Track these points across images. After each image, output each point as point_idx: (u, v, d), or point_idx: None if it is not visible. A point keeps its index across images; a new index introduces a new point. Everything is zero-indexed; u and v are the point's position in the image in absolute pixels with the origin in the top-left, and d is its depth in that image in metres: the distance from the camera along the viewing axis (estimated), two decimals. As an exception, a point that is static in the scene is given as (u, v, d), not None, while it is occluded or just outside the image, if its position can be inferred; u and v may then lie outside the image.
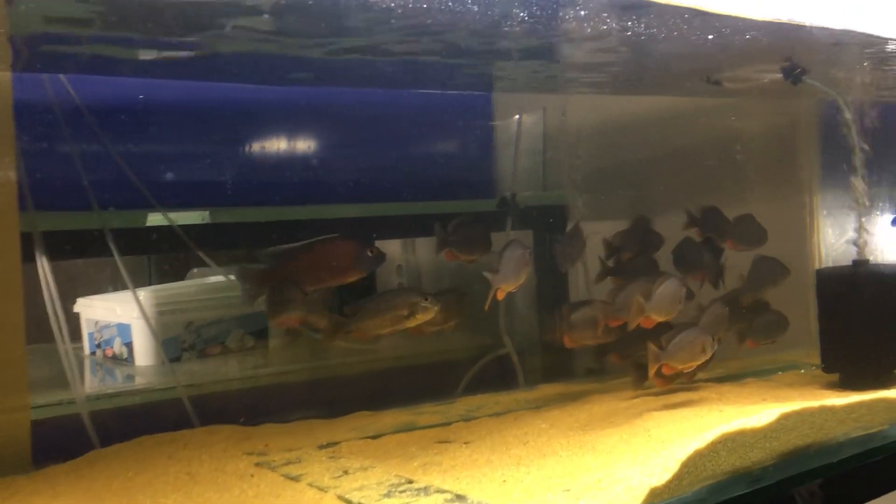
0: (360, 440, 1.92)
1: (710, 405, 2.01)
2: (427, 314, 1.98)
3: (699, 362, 2.16)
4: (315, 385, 2.41)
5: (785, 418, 1.66)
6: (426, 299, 1.98)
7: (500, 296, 2.02)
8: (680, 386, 2.28)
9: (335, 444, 1.90)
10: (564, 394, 2.27)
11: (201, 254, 2.53)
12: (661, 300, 2.08)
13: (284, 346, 3.03)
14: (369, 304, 2.00)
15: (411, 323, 1.98)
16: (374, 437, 1.94)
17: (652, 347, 2.11)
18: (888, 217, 2.66)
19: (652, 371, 2.11)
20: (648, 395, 2.21)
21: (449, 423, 2.03)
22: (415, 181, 2.81)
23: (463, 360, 2.45)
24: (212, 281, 3.12)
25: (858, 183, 2.20)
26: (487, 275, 1.99)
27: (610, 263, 2.35)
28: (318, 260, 1.97)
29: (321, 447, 1.89)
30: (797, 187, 2.69)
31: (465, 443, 1.91)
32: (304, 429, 2.01)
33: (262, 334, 3.03)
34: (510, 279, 2.02)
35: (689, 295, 2.23)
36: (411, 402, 2.20)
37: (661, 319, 2.14)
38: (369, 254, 1.98)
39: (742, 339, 2.42)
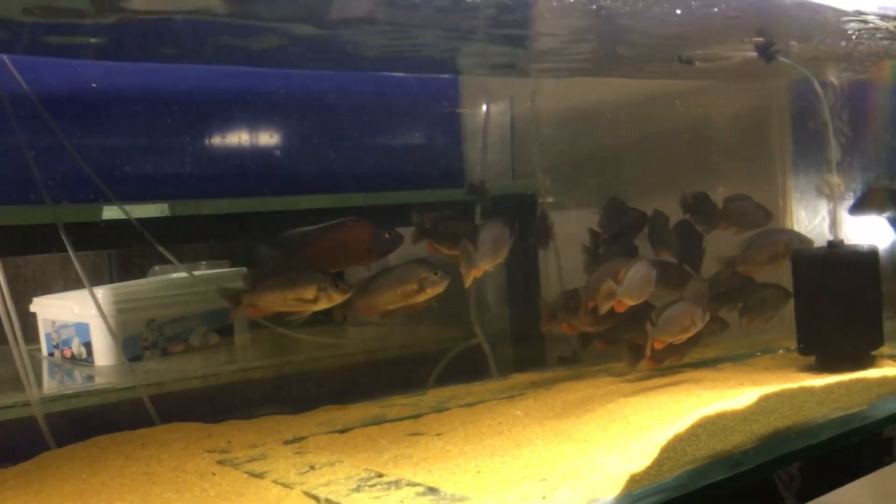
0: (327, 435, 1.83)
1: (688, 391, 1.95)
2: (437, 288, 1.92)
3: (690, 334, 2.12)
4: (281, 381, 2.32)
5: (765, 400, 1.61)
6: (436, 273, 1.92)
7: (478, 274, 1.95)
8: (658, 372, 2.23)
9: (301, 439, 1.82)
10: (538, 382, 2.21)
11: (161, 248, 2.44)
12: (632, 283, 2.03)
13: (250, 342, 2.95)
14: (377, 278, 1.93)
15: (420, 298, 1.92)
16: (342, 432, 1.86)
17: (649, 325, 2.09)
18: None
19: (649, 348, 2.07)
20: (624, 381, 2.16)
21: (420, 416, 1.96)
22: (381, 170, 2.74)
23: (434, 351, 2.37)
24: (174, 277, 3.02)
25: (832, 164, 2.16)
26: (464, 253, 1.92)
27: (599, 251, 2.30)
28: (334, 243, 1.92)
29: (287, 443, 1.80)
30: (769, 170, 2.65)
31: (437, 434, 1.83)
32: (269, 425, 1.92)
33: (227, 331, 2.95)
34: (488, 257, 1.95)
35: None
36: (381, 395, 2.12)
37: (632, 303, 2.09)
38: (387, 236, 1.93)
39: (745, 314, 2.40)
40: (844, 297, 2.15)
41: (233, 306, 1.90)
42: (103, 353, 2.67)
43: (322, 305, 1.85)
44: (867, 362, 2.18)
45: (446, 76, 2.72)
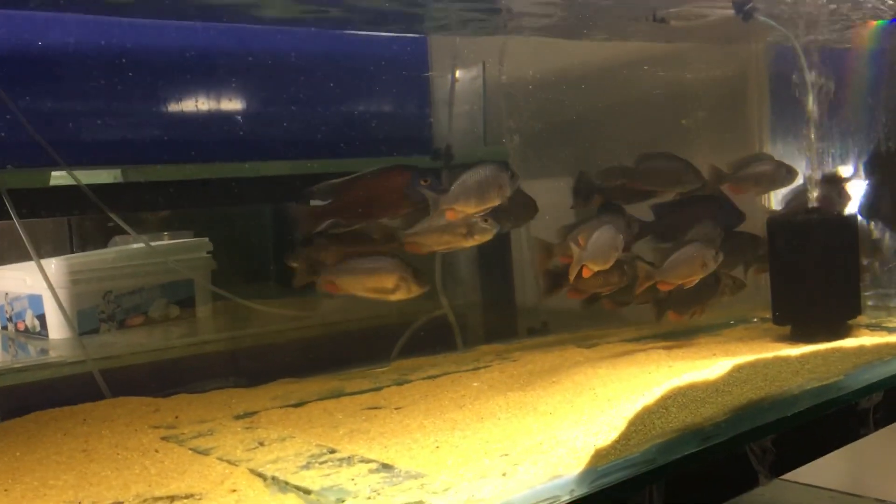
0: (281, 409, 1.72)
1: (659, 361, 1.86)
2: (485, 235, 1.88)
3: (702, 276, 2.05)
4: (237, 354, 2.20)
5: (738, 370, 1.52)
6: (486, 220, 1.87)
7: (587, 273, 1.93)
8: (630, 341, 2.15)
9: (253, 413, 1.71)
10: (504, 354, 2.10)
11: (114, 216, 2.30)
12: (595, 248, 1.93)
13: (212, 314, 2.83)
14: (427, 218, 1.87)
15: (468, 242, 1.88)
16: (297, 406, 1.75)
17: (641, 265, 2.03)
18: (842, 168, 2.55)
19: (640, 289, 2.01)
20: (593, 352, 2.07)
21: (380, 389, 1.85)
22: (342, 135, 2.61)
23: (398, 323, 2.26)
24: (134, 247, 2.89)
25: (811, 132, 2.06)
26: (574, 248, 1.91)
27: None
28: (369, 191, 1.85)
29: (237, 417, 1.69)
30: (747, 137, 2.55)
31: (396, 408, 1.73)
32: (221, 399, 1.81)
33: (188, 303, 2.83)
34: (596, 260, 1.94)
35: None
36: (342, 368, 2.01)
37: (597, 268, 2.00)
38: (423, 183, 1.85)
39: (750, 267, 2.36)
40: (821, 265, 2.07)
41: (311, 277, 1.88)
42: (57, 326, 2.54)
43: (399, 296, 1.85)
44: (844, 332, 2.10)
45: (414, 36, 2.58)
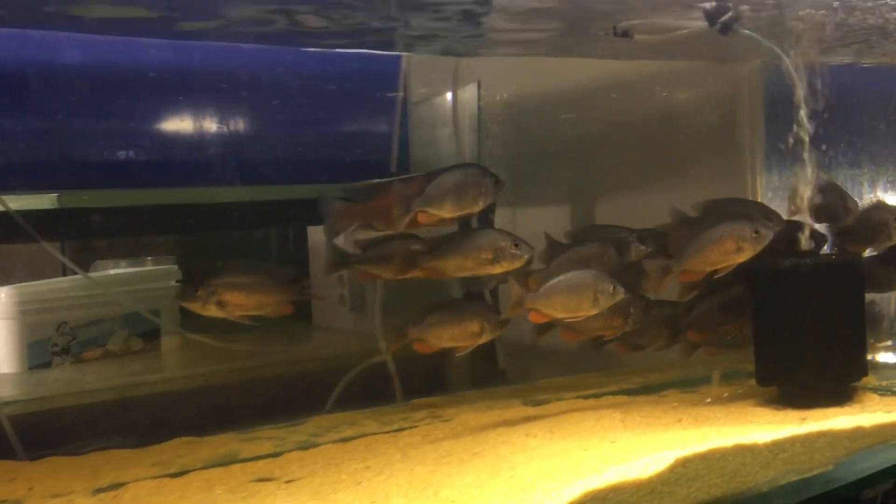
0: (154, 480, 1.35)
1: (606, 430, 1.44)
2: (515, 262, 1.60)
3: (736, 261, 1.61)
4: (139, 403, 1.84)
5: (684, 464, 1.09)
6: (517, 245, 1.59)
7: (536, 318, 1.60)
8: (585, 397, 1.71)
9: (120, 485, 1.34)
10: (440, 410, 1.70)
11: (45, 244, 1.99)
12: (548, 293, 1.55)
13: (179, 348, 2.49)
14: (451, 241, 1.64)
15: (495, 269, 1.61)
16: (175, 475, 1.38)
17: (652, 262, 1.66)
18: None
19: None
20: (539, 411, 1.64)
21: (280, 454, 1.47)
22: (305, 160, 2.25)
23: (337, 368, 1.88)
24: (95, 275, 2.58)
25: (806, 158, 1.61)
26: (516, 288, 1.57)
27: None
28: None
29: (98, 491, 1.32)
30: (738, 166, 2.10)
31: (288, 481, 1.35)
32: (96, 463, 1.45)
33: (152, 335, 2.50)
34: (553, 307, 1.58)
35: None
36: (259, 421, 1.65)
37: (557, 316, 1.59)
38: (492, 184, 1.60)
39: None
40: (815, 318, 1.61)
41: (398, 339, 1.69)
42: (4, 359, 2.24)
43: (485, 338, 1.63)
44: (845, 397, 1.64)
45: (388, 54, 2.20)
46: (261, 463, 1.44)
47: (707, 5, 1.50)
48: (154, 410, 1.95)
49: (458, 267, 1.62)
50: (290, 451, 1.48)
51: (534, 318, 1.60)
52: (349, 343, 2.31)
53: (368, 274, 1.72)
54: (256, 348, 2.18)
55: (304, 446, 1.50)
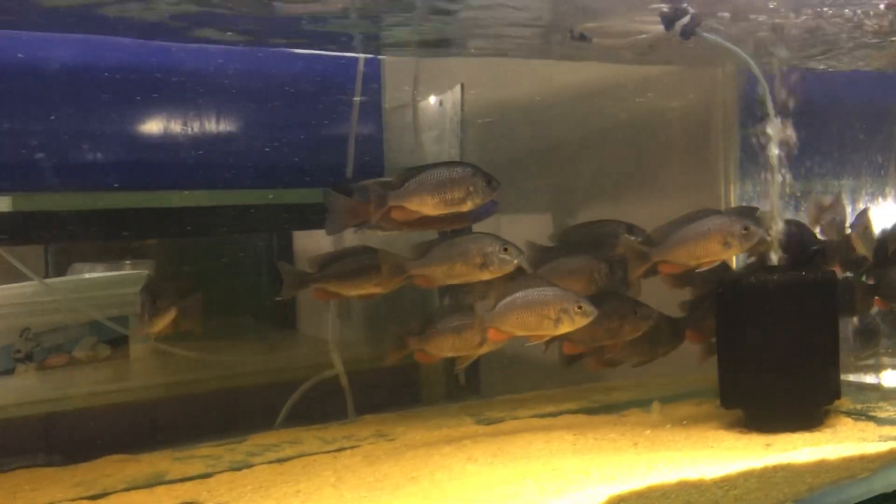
0: (71, 503, 1.25)
1: (552, 454, 1.31)
2: (504, 266, 1.47)
3: (722, 257, 1.48)
4: (69, 418, 1.71)
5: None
6: (506, 249, 1.47)
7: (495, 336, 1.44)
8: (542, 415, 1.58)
9: (33, 508, 1.25)
10: (386, 428, 1.57)
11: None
12: (507, 311, 1.41)
13: (149, 355, 2.38)
14: (439, 247, 1.51)
15: (484, 275, 1.49)
16: (95, 498, 1.26)
17: (632, 244, 1.51)
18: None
19: (635, 275, 1.50)
20: (491, 430, 1.51)
21: (210, 475, 1.34)
22: (270, 165, 2.13)
23: (286, 382, 1.76)
24: (67, 280, 2.47)
25: (776, 170, 1.48)
26: None
27: None
28: None
29: (5, 516, 1.23)
30: (711, 176, 1.96)
31: (212, 506, 1.24)
32: (14, 483, 1.33)
33: (121, 342, 2.38)
34: (509, 325, 1.43)
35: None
36: (200, 437, 1.53)
37: (515, 334, 1.46)
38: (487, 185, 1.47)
39: None
40: (783, 337, 1.47)
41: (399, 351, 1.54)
42: (-46, 366, 2.13)
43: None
44: (815, 422, 1.50)
45: (344, 55, 2.07)
46: (188, 485, 1.32)
47: (664, 7, 1.37)
48: (104, 423, 1.84)
49: (445, 274, 1.49)
50: (221, 472, 1.35)
51: (493, 336, 1.46)
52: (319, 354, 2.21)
53: (327, 293, 1.57)
54: (227, 358, 2.07)
55: (237, 467, 1.38)
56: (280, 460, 1.41)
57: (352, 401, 1.66)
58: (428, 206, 1.45)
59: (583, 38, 1.45)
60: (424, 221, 1.50)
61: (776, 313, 1.46)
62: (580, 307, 1.44)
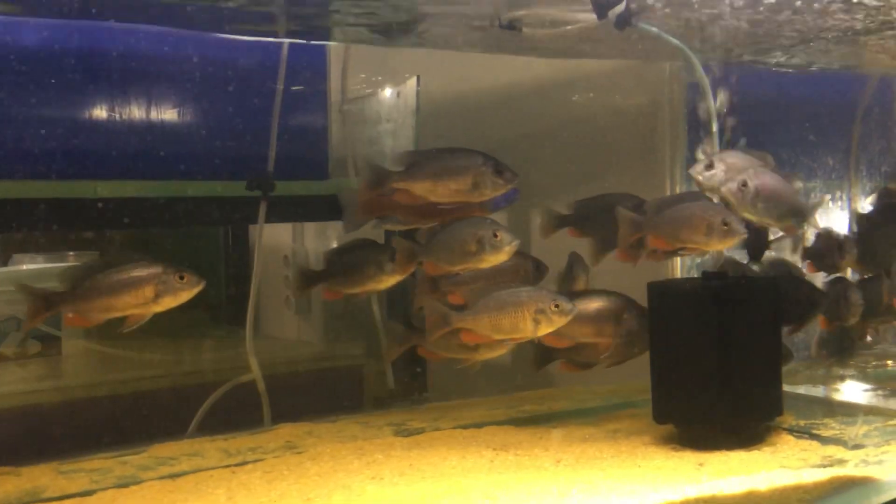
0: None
1: (465, 473, 1.16)
2: (499, 254, 1.36)
3: (704, 244, 1.34)
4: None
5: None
6: (496, 234, 1.36)
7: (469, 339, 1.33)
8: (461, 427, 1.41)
9: None
10: (298, 440, 1.39)
11: None
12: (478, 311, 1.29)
13: (84, 352, 2.20)
14: (441, 233, 1.40)
15: (482, 263, 1.38)
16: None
17: (625, 214, 1.37)
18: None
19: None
20: (408, 442, 1.35)
21: (92, 492, 1.18)
22: (202, 156, 1.96)
23: (200, 386, 1.59)
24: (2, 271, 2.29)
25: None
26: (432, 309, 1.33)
27: None
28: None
29: None
30: (657, 177, 1.81)
31: (84, 530, 1.08)
32: None
33: (54, 339, 2.20)
34: (482, 325, 1.32)
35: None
36: (105, 445, 1.36)
37: (481, 336, 1.33)
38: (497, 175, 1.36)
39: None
40: (722, 347, 1.33)
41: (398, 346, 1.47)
42: None
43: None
44: (756, 438, 1.36)
45: (268, 41, 1.90)
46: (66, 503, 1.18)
47: (596, -7, 1.22)
48: (22, 426, 1.67)
49: (450, 260, 1.37)
50: (105, 489, 1.20)
51: (466, 338, 1.33)
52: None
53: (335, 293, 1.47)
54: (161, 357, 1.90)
55: (124, 483, 1.22)
56: (173, 475, 1.25)
57: (268, 407, 1.50)
58: (433, 193, 1.35)
59: (511, 26, 1.31)
60: (437, 212, 1.41)
61: (712, 321, 1.31)
62: (557, 306, 1.31)
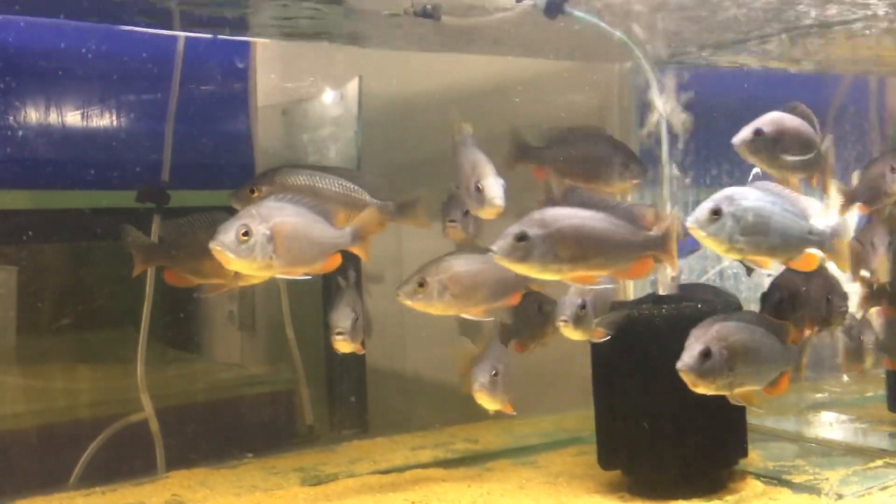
0: None
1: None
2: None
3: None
4: None
5: None
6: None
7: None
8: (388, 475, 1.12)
9: None
10: (192, 491, 1.11)
11: None
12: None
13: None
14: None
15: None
16: None
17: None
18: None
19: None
20: (316, 493, 1.07)
21: None
22: (107, 163, 1.63)
23: (93, 424, 1.28)
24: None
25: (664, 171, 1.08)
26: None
27: None
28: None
29: None
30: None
31: None
32: None
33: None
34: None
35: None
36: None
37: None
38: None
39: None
40: (674, 386, 1.05)
41: None
42: None
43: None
44: (718, 484, 1.10)
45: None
46: None
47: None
48: None
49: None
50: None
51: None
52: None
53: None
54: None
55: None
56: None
57: (161, 451, 1.18)
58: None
59: (426, 14, 1.04)
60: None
61: (665, 354, 1.03)
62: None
